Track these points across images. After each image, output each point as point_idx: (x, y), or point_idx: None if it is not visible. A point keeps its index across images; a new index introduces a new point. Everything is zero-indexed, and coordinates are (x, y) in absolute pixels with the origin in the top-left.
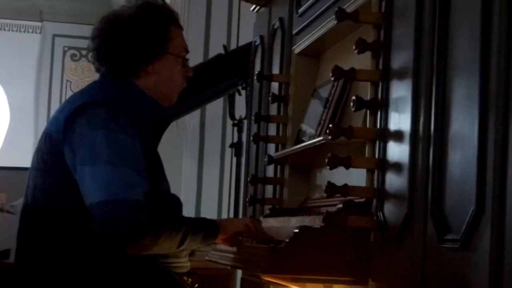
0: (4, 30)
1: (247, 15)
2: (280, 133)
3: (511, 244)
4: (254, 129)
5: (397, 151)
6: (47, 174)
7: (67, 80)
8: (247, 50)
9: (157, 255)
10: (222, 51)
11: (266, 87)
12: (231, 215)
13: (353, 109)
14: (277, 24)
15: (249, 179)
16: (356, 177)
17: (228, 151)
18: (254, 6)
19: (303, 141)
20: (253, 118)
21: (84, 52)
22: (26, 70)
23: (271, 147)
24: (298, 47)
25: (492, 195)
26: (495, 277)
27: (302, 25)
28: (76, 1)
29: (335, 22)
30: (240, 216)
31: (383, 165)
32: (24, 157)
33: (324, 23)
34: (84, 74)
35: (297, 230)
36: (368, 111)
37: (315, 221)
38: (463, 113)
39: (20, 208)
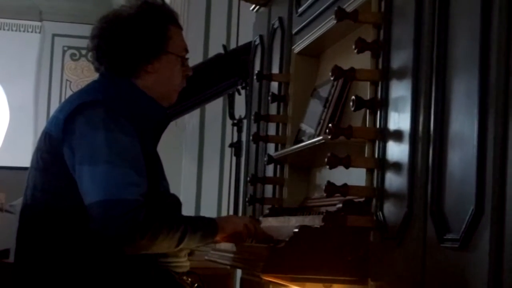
0: (4, 29)
1: (247, 15)
2: (280, 133)
3: (511, 244)
4: (253, 128)
5: (397, 151)
6: (47, 174)
7: (67, 80)
8: (246, 49)
9: (157, 255)
10: (222, 51)
11: (266, 86)
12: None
13: (352, 109)
14: (276, 24)
15: (248, 178)
16: (356, 176)
17: (228, 151)
18: (253, 5)
19: (302, 141)
20: (252, 117)
21: (83, 52)
22: (26, 69)
23: (271, 147)
24: (297, 47)
25: (492, 194)
26: (495, 276)
27: (302, 25)
28: (75, 1)
29: (335, 21)
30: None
31: (382, 164)
32: (23, 157)
33: (323, 22)
34: (84, 74)
35: (296, 230)
36: (367, 111)
37: (314, 221)
38: (463, 113)
39: (20, 208)
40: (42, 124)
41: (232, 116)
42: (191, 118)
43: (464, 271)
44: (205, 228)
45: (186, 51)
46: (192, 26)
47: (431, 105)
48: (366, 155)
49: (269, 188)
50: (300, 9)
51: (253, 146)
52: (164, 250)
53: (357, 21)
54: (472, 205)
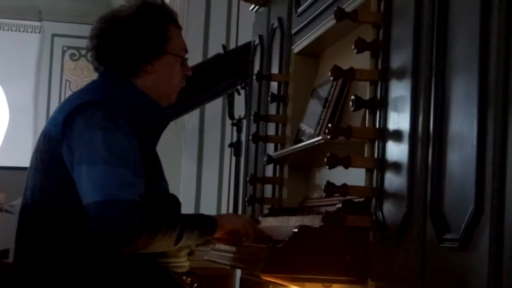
0: (3, 29)
1: (246, 15)
2: (279, 133)
3: (510, 244)
4: (253, 128)
5: (396, 151)
6: (46, 174)
7: (66, 80)
8: (246, 49)
9: (156, 255)
10: (221, 51)
11: (265, 86)
12: None
13: (352, 109)
14: (276, 24)
15: (248, 178)
16: (355, 176)
17: (227, 151)
18: (253, 5)
19: (302, 141)
20: (252, 117)
21: (83, 52)
22: (25, 69)
23: (270, 147)
24: (297, 47)
25: (491, 194)
26: (494, 276)
27: (301, 25)
28: (75, 1)
29: (334, 21)
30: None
31: (382, 164)
32: (23, 157)
33: (323, 22)
34: (83, 74)
35: (296, 230)
36: (367, 111)
37: (314, 221)
38: (462, 113)
39: (19, 208)
40: (42, 124)
41: (231, 116)
42: (190, 118)
43: (464, 271)
44: (203, 225)
45: (186, 51)
46: (192, 26)
47: (431, 105)
48: (365, 155)
49: (268, 188)
50: (300, 9)
51: (252, 146)
52: (163, 249)
53: (356, 21)
54: (471, 205)
